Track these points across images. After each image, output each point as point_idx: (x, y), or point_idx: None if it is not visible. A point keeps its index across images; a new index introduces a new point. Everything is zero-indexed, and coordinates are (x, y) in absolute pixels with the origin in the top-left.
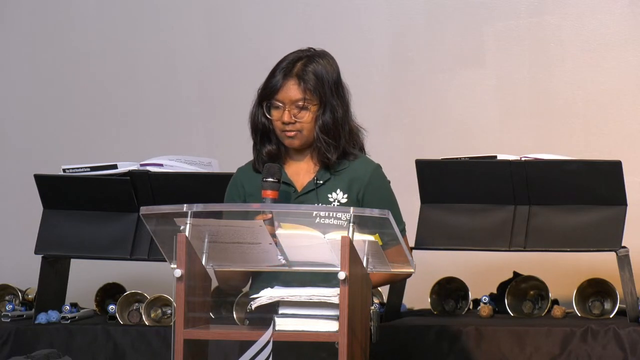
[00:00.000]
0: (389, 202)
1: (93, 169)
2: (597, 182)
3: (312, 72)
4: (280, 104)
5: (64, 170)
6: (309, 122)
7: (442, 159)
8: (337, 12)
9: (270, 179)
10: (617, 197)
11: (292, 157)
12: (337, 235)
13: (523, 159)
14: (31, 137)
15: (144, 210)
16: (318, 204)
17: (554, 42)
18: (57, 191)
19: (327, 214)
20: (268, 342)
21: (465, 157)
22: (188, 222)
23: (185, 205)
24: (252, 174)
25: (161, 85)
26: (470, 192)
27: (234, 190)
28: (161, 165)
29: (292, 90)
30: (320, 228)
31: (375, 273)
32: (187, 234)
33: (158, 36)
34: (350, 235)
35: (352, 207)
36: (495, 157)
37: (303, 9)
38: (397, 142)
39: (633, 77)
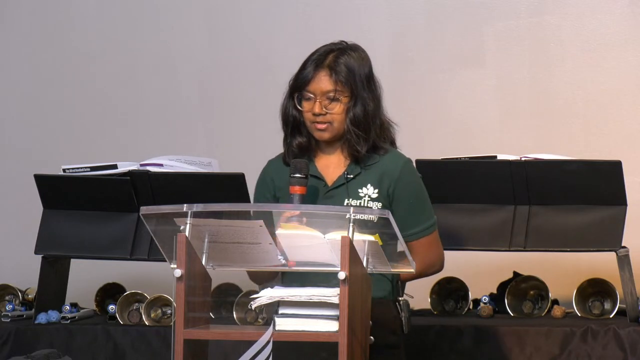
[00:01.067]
0: (420, 197)
1: (93, 169)
2: (597, 182)
3: (344, 64)
4: (311, 95)
5: (64, 170)
6: (340, 113)
7: (442, 159)
8: (337, 12)
9: (297, 175)
10: (617, 197)
11: (323, 150)
12: (337, 235)
13: (523, 159)
14: (31, 137)
15: (144, 210)
16: (348, 199)
17: (554, 42)
18: (57, 191)
19: (359, 210)
20: (268, 342)
21: (465, 157)
22: (188, 222)
23: (185, 205)
24: (282, 167)
25: (161, 85)
26: (470, 192)
27: (263, 186)
28: (161, 165)
29: (323, 82)
30: (352, 224)
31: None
32: (187, 234)
33: (158, 36)
34: (350, 235)
35: (352, 207)
36: (495, 157)
37: (303, 9)
38: (397, 142)
39: (633, 77)
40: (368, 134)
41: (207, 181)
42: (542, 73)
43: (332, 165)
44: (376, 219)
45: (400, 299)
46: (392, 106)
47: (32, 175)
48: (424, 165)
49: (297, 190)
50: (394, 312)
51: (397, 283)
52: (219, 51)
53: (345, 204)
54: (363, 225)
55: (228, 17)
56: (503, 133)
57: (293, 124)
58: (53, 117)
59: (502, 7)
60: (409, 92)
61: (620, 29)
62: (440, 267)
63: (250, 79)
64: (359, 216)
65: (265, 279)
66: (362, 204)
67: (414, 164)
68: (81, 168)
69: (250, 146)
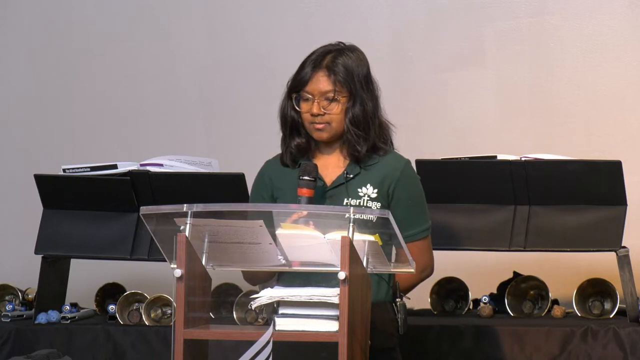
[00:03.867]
0: (418, 199)
1: (93, 169)
2: (597, 182)
3: (342, 65)
4: (310, 96)
5: (64, 170)
6: (338, 113)
7: (442, 159)
8: (337, 12)
9: (306, 177)
10: (617, 197)
11: (321, 150)
12: (337, 235)
13: (523, 159)
14: (31, 137)
15: (144, 210)
16: (347, 199)
17: (554, 42)
18: (57, 191)
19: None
20: (268, 342)
21: (465, 157)
22: (188, 222)
23: (185, 205)
24: (280, 167)
25: (161, 85)
26: (470, 192)
27: (261, 186)
28: (161, 165)
29: (321, 82)
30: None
31: (403, 278)
32: (187, 234)
33: (158, 36)
34: (350, 235)
35: (352, 207)
36: (495, 157)
37: (303, 9)
38: (397, 142)
39: (633, 77)
40: (368, 134)
41: (207, 181)
42: (542, 73)
43: (330, 166)
44: (376, 219)
45: (397, 300)
46: (392, 106)
47: (32, 175)
48: (424, 165)
49: (305, 192)
50: (390, 314)
51: (395, 285)
52: (219, 51)
53: (344, 203)
54: (363, 226)
55: (228, 17)
56: (503, 133)
57: (292, 125)
58: (53, 117)
59: (502, 7)
60: (409, 92)
61: (620, 29)
62: (430, 272)
63: (250, 78)
64: (358, 216)
65: (262, 279)
66: (361, 204)
67: (414, 165)
68: (81, 168)
69: (250, 146)
